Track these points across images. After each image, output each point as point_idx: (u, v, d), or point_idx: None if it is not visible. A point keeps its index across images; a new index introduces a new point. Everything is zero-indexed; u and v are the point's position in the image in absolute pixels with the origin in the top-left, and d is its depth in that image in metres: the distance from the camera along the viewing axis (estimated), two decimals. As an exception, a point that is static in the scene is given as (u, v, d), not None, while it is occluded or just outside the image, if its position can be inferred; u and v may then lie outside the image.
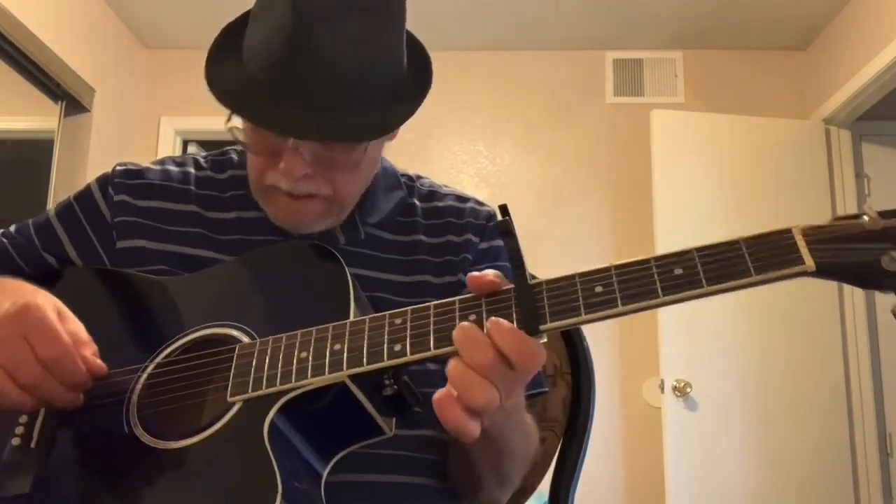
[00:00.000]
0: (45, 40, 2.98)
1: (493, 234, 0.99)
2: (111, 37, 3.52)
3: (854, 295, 3.32)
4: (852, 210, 3.38)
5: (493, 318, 0.63)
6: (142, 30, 3.66)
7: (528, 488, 1.09)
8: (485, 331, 0.62)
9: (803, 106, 3.59)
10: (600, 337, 3.09)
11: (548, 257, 3.34)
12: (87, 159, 3.25)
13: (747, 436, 3.11)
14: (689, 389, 3.05)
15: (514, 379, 0.63)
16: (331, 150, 0.82)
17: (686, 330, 3.09)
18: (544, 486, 1.10)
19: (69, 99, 3.26)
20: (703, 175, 3.29)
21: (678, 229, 3.15)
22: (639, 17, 3.46)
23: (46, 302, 0.73)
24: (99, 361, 0.73)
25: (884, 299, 0.66)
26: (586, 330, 1.06)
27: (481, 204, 1.01)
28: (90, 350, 0.73)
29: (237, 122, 0.84)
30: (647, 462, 3.23)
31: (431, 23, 3.44)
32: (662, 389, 3.08)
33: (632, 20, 3.49)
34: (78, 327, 0.73)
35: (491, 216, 0.99)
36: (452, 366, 0.62)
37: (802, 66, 3.64)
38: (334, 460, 0.73)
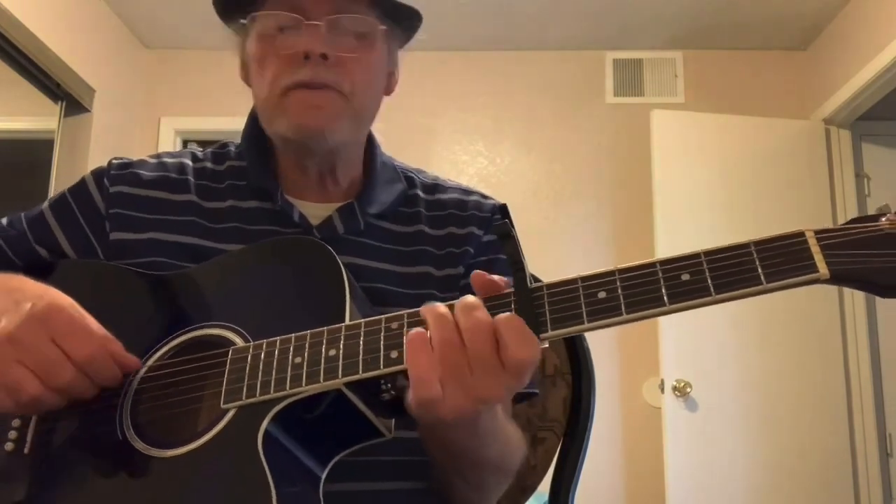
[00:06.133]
0: (45, 40, 2.98)
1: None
2: (111, 37, 3.52)
3: (854, 294, 3.32)
4: (852, 211, 3.40)
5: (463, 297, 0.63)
6: (142, 30, 3.65)
7: (528, 488, 1.09)
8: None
9: (803, 106, 3.59)
10: (601, 337, 3.09)
11: (548, 257, 3.34)
12: (87, 159, 3.24)
13: (747, 436, 3.11)
14: (689, 389, 3.05)
15: (466, 368, 0.61)
16: (344, 41, 0.86)
17: (686, 330, 3.09)
18: (544, 486, 1.10)
19: (69, 99, 3.26)
20: (703, 175, 3.29)
21: (678, 229, 3.14)
22: (639, 17, 3.45)
23: (65, 300, 0.72)
24: (131, 356, 0.73)
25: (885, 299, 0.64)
26: (586, 330, 1.05)
27: (486, 197, 1.01)
28: (117, 346, 0.72)
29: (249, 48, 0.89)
30: (647, 462, 3.23)
31: (431, 23, 3.43)
32: (662, 389, 3.08)
33: (632, 20, 3.48)
34: (98, 324, 0.72)
35: (496, 209, 0.98)
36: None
37: (802, 66, 3.64)
38: (333, 462, 0.72)
